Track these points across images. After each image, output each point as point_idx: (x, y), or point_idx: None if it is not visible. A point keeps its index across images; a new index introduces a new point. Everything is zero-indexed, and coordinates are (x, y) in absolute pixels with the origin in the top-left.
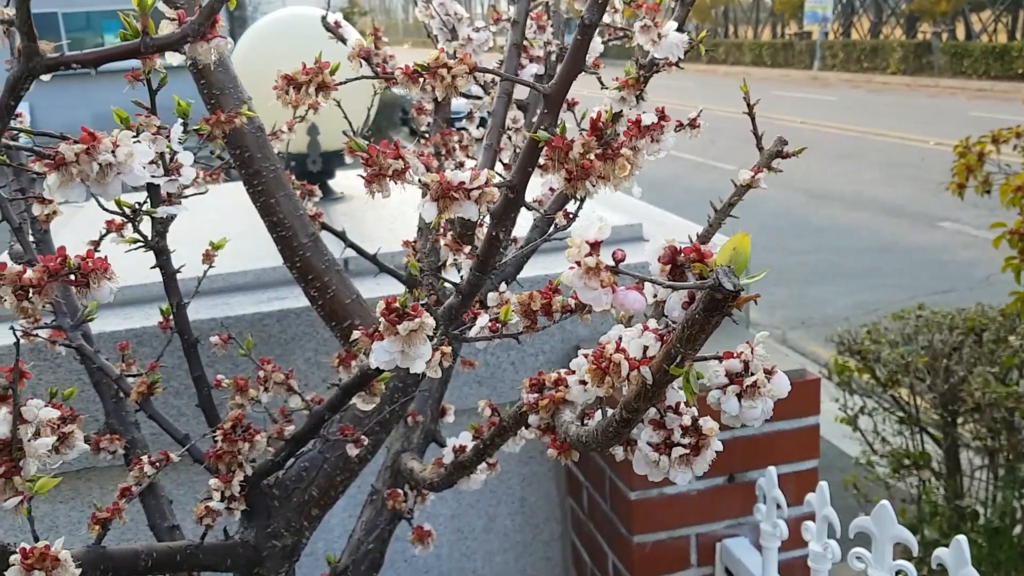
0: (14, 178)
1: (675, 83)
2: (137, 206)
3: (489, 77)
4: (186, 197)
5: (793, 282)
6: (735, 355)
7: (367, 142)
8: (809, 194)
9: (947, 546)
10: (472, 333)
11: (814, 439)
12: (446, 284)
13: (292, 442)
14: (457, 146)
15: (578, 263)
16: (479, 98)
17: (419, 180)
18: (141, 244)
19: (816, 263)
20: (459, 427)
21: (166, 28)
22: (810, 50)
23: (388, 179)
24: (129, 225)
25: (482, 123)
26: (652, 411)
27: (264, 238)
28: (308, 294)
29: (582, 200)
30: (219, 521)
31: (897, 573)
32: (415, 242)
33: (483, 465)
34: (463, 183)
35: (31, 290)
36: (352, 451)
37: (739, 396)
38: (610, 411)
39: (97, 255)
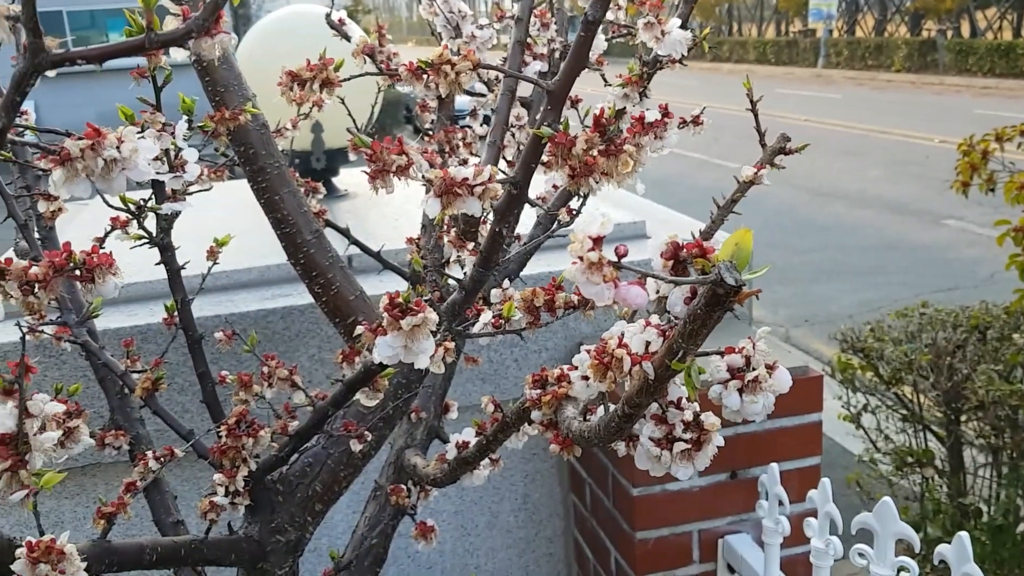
0: (19, 175)
1: (678, 81)
2: (142, 202)
3: (493, 74)
4: (190, 194)
5: (797, 280)
6: (737, 350)
7: (371, 139)
8: (813, 192)
9: (949, 544)
10: (475, 329)
11: (816, 436)
12: (449, 281)
13: (296, 438)
14: (461, 143)
15: (581, 258)
16: (483, 95)
17: (423, 176)
18: (146, 240)
19: (820, 261)
20: (462, 423)
21: (171, 24)
22: (814, 48)
23: (392, 175)
24: (134, 222)
25: (486, 120)
26: (654, 406)
27: (268, 235)
28: (312, 291)
29: (585, 197)
30: (223, 516)
31: (899, 570)
32: (419, 239)
33: (486, 461)
34: (467, 179)
35: (37, 285)
36: (356, 447)
37: (741, 391)
38: (612, 407)
39: (102, 251)
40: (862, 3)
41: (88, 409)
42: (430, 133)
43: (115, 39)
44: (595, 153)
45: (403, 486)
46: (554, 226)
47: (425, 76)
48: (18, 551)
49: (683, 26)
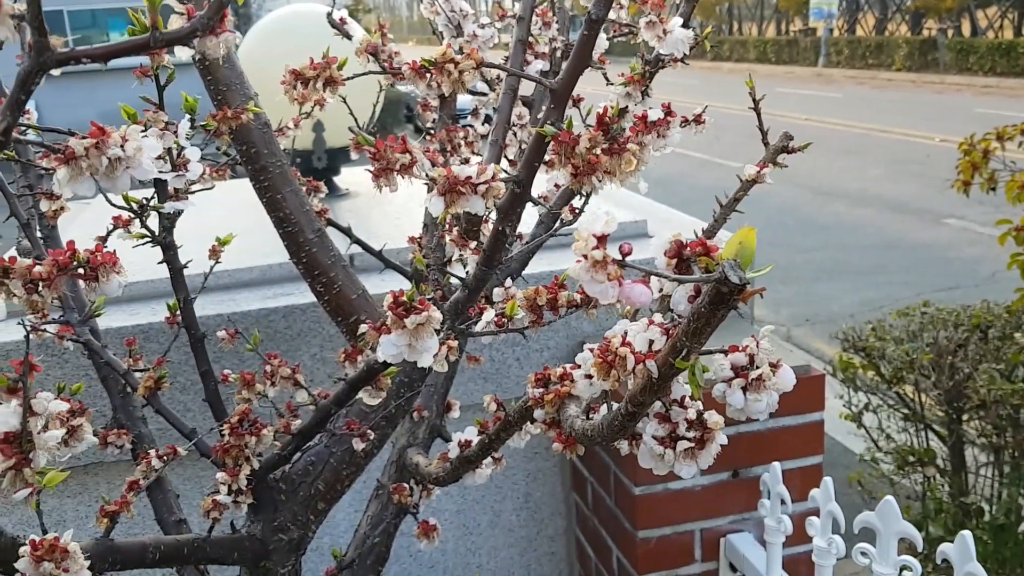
0: (22, 174)
1: (679, 80)
2: (144, 201)
3: (495, 73)
4: (193, 192)
5: (798, 279)
6: (740, 349)
7: (374, 138)
8: (814, 191)
9: (951, 543)
10: (478, 328)
11: (818, 435)
12: (452, 279)
13: (298, 436)
14: (462, 142)
15: (585, 256)
16: (484, 94)
17: (426, 175)
18: (148, 239)
19: (821, 260)
20: (464, 422)
21: (176, 23)
22: (815, 47)
23: (395, 173)
24: (136, 221)
25: (487, 120)
26: (657, 405)
27: (270, 234)
28: (314, 289)
29: (588, 195)
30: (226, 515)
31: (902, 569)
32: (420, 238)
33: (488, 460)
34: (470, 178)
35: (41, 284)
36: (358, 445)
37: (744, 389)
38: (615, 405)
39: (105, 250)
40: (863, 2)
41: (90, 408)
42: (432, 132)
43: (116, 38)
44: (598, 152)
45: (405, 485)
46: (556, 225)
47: (428, 75)
48: (22, 549)
49: (685, 25)
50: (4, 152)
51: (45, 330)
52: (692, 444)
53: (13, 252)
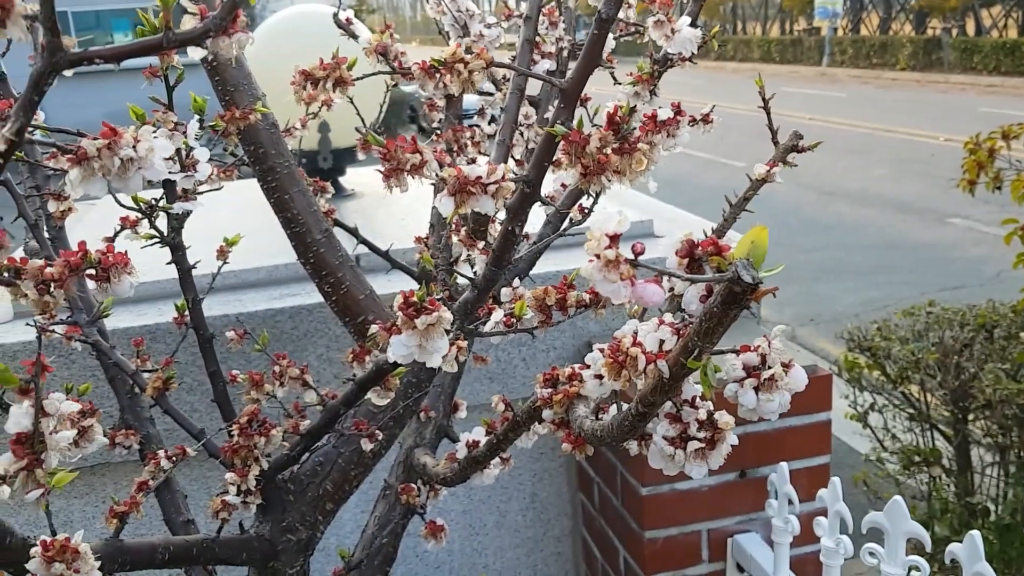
0: (29, 175)
1: (684, 80)
2: (153, 202)
3: (502, 73)
4: (201, 193)
5: (802, 279)
6: (752, 348)
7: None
8: (818, 191)
9: (959, 543)
10: (487, 328)
11: (826, 435)
12: (459, 280)
13: (307, 437)
14: (469, 142)
15: (597, 256)
16: (491, 94)
17: (436, 175)
18: (157, 240)
19: (825, 260)
20: (471, 423)
21: (188, 23)
22: (819, 46)
23: (406, 173)
24: (144, 221)
25: (493, 120)
26: (668, 405)
27: (276, 235)
28: (322, 290)
29: (597, 195)
30: (234, 515)
31: (910, 569)
32: (427, 238)
33: (496, 460)
34: (480, 178)
35: (53, 285)
36: (366, 446)
37: (756, 389)
38: (625, 406)
39: (115, 251)
40: (867, 1)
41: (98, 409)
42: (437, 132)
43: (120, 39)
44: (608, 151)
45: (413, 485)
46: (565, 224)
47: (438, 74)
48: (33, 550)
49: (692, 24)
50: (16, 154)
51: (53, 331)
52: (703, 444)
53: (21, 253)
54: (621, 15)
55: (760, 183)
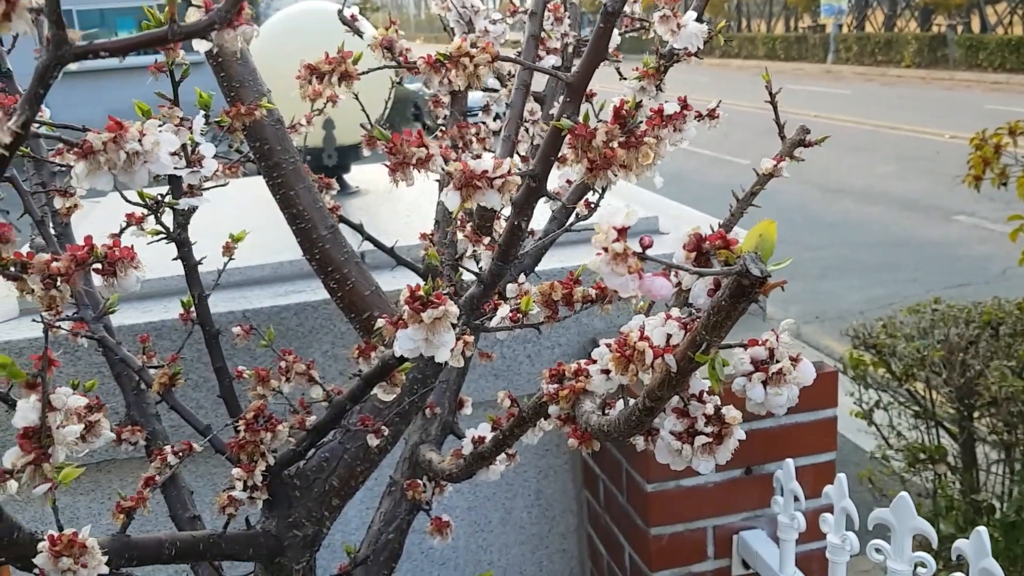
0: (35, 172)
1: (688, 77)
2: (159, 198)
3: (507, 69)
4: (207, 189)
5: (807, 276)
6: (760, 343)
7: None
8: (822, 188)
9: (965, 539)
10: (493, 323)
11: (832, 431)
12: (464, 276)
13: (313, 432)
14: (474, 138)
15: (605, 249)
16: (495, 90)
17: (442, 169)
18: (163, 236)
19: (830, 257)
20: (476, 419)
21: (193, 16)
22: (824, 43)
23: (412, 167)
24: (150, 217)
25: (497, 116)
26: (675, 400)
27: (281, 232)
28: (327, 286)
29: (604, 190)
30: (240, 511)
31: (916, 565)
32: (432, 234)
33: (502, 456)
34: (486, 172)
35: (59, 279)
36: (372, 442)
37: (765, 383)
38: (632, 401)
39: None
40: None
41: (105, 404)
42: (443, 129)
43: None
44: (615, 145)
45: (419, 481)
46: (571, 219)
47: (444, 69)
48: (40, 545)
49: (698, 19)
50: (21, 149)
51: (59, 327)
52: (710, 439)
53: (27, 249)
54: (627, 10)
55: (767, 177)
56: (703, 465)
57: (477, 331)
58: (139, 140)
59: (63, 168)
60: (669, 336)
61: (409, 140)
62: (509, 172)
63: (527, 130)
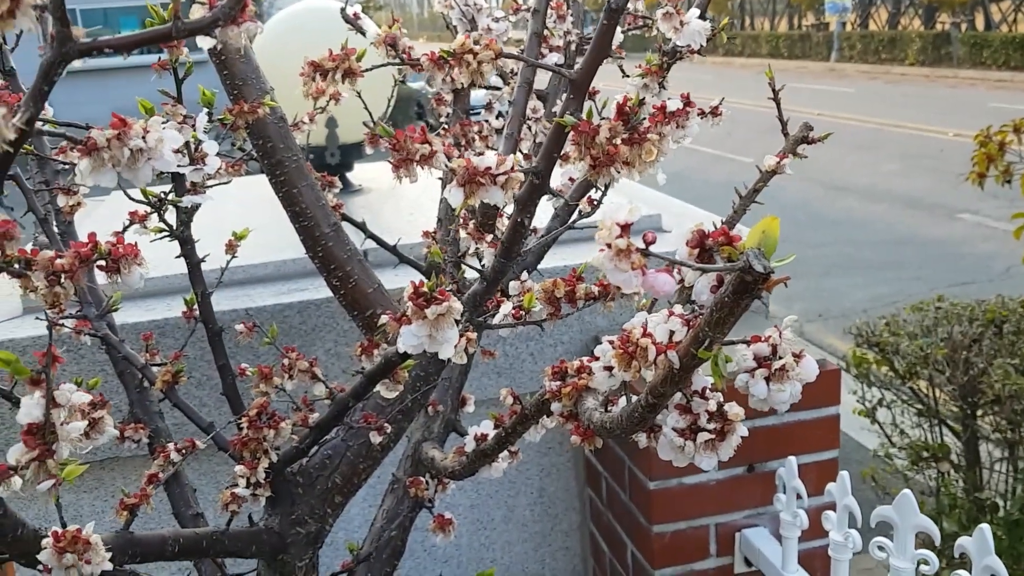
0: (39, 170)
1: (691, 75)
2: (163, 195)
3: (510, 66)
4: (210, 187)
5: (810, 274)
6: (763, 339)
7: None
8: (826, 186)
9: (968, 536)
10: (495, 321)
11: (834, 429)
12: (467, 274)
13: (316, 429)
14: (476, 136)
15: (608, 245)
16: (498, 88)
17: (445, 166)
18: (166, 233)
19: (833, 255)
20: (479, 417)
21: (197, 13)
22: (827, 42)
23: (415, 164)
24: (153, 215)
25: (500, 115)
26: (678, 396)
27: (284, 230)
28: (330, 284)
29: (607, 187)
30: (243, 508)
31: (919, 563)
32: (435, 233)
33: (505, 453)
34: (489, 168)
35: (63, 276)
36: (375, 439)
37: (767, 379)
38: (634, 397)
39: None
40: None
41: (108, 401)
42: (445, 127)
43: None
44: (618, 142)
45: (422, 478)
46: (574, 216)
47: (447, 66)
48: (44, 541)
49: (701, 17)
50: (24, 147)
51: (63, 325)
52: (712, 436)
53: (30, 247)
54: (630, 7)
55: (770, 174)
56: (705, 462)
57: (480, 328)
58: (143, 137)
59: (66, 166)
60: (672, 333)
61: (413, 137)
62: (512, 169)
63: (530, 128)
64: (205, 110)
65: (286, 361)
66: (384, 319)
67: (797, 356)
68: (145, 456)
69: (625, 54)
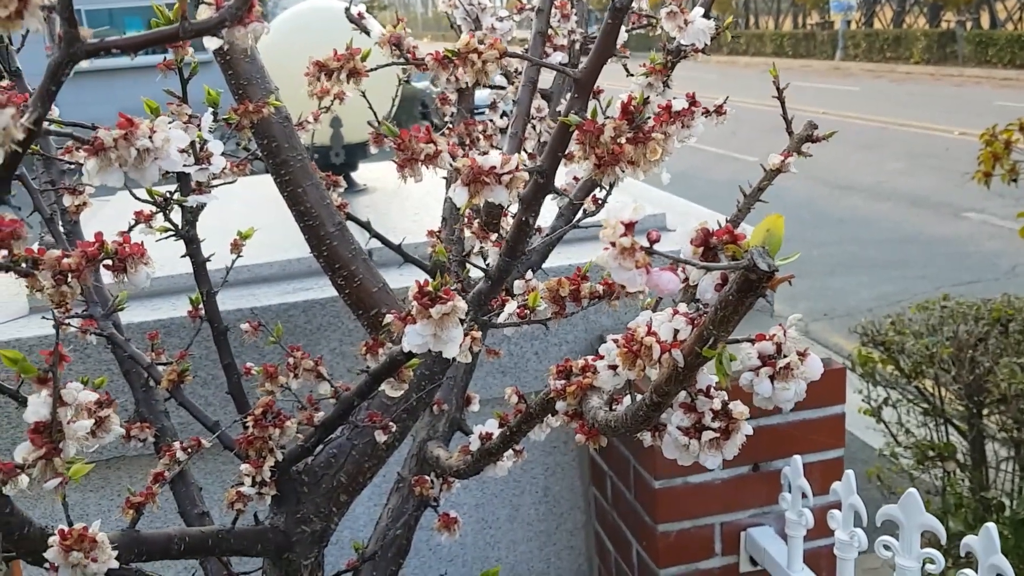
0: (44, 170)
1: (696, 74)
2: (168, 195)
3: (514, 66)
4: (215, 186)
5: (815, 273)
6: (768, 337)
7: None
8: (831, 185)
9: (974, 535)
10: (500, 319)
11: (839, 428)
12: (471, 273)
13: (321, 428)
14: (481, 136)
15: (613, 243)
16: (502, 88)
17: (450, 165)
18: (172, 233)
19: (838, 254)
20: (484, 416)
21: (204, 13)
22: (832, 40)
23: (420, 163)
24: (159, 215)
25: (504, 114)
26: (683, 395)
27: (288, 230)
28: (335, 283)
29: (611, 187)
30: (249, 507)
31: (925, 561)
32: (439, 232)
33: (509, 452)
34: (494, 167)
35: (70, 275)
36: (380, 438)
37: (772, 378)
38: (639, 396)
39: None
40: None
41: (114, 399)
42: (449, 127)
43: None
44: (623, 141)
45: (427, 477)
46: (578, 215)
47: (452, 65)
48: (51, 539)
49: (705, 15)
50: (31, 147)
51: (69, 324)
52: (717, 434)
53: (37, 246)
54: (634, 6)
55: (775, 173)
56: (710, 460)
57: (485, 327)
58: (150, 137)
59: (72, 166)
60: (676, 331)
61: (417, 136)
62: (517, 168)
63: (534, 127)
64: (210, 110)
65: (291, 360)
66: (389, 318)
67: (802, 354)
68: (151, 455)
69: (629, 53)
